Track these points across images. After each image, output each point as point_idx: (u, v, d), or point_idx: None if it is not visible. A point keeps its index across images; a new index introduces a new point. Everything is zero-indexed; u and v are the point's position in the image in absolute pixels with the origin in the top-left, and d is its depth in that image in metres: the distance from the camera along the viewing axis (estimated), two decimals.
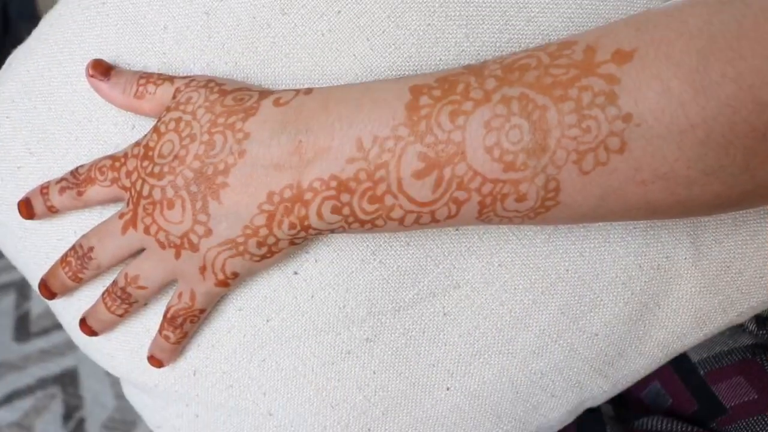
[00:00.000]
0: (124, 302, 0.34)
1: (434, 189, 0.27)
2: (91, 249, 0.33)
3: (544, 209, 0.27)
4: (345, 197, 0.28)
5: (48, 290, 0.35)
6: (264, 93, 0.31)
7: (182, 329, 0.33)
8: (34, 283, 0.38)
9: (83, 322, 0.35)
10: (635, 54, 0.24)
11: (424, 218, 0.28)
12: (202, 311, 0.33)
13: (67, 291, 0.35)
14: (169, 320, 0.33)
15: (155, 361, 0.34)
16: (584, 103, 0.25)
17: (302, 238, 0.30)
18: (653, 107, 0.24)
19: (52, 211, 0.35)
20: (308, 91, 0.30)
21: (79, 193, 0.34)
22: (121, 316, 0.34)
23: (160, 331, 0.34)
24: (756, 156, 0.23)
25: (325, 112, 0.28)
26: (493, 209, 0.27)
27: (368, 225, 0.29)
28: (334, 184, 0.28)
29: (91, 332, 0.35)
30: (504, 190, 0.27)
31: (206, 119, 0.30)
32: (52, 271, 0.35)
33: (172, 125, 0.31)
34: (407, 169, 0.27)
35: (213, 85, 0.31)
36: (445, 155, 0.27)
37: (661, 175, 0.25)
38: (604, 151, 0.25)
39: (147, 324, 0.36)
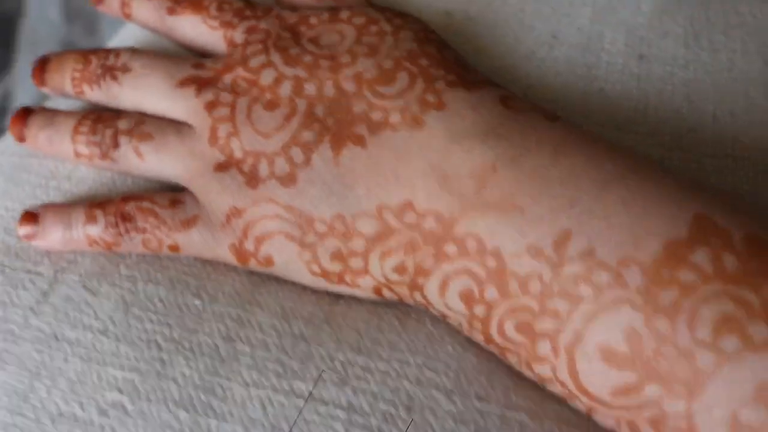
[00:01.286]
0: (101, 146, 0.22)
1: (616, 392, 0.17)
2: (126, 69, 0.23)
3: None
4: (491, 294, 0.18)
5: (39, 74, 0.25)
6: (492, 82, 0.22)
7: (119, 238, 0.21)
8: None
9: (25, 115, 0.24)
10: None
11: (576, 403, 0.19)
12: (173, 248, 0.22)
13: (55, 92, 0.25)
14: (121, 214, 0.22)
15: (30, 216, 0.22)
16: None
17: (398, 297, 0.21)
18: None
19: (126, 14, 0.26)
20: (552, 116, 0.20)
21: (172, 11, 0.24)
22: (78, 155, 0.23)
23: (87, 216, 0.22)
24: None
25: (553, 159, 0.19)
26: None
27: (495, 349, 0.20)
28: (491, 264, 0.18)
29: (22, 136, 0.24)
30: None
31: (407, 46, 0.21)
32: (62, 59, 0.24)
33: (359, 17, 0.22)
34: (599, 335, 0.17)
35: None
36: (666, 370, 0.17)
37: None
38: None
39: None
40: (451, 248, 0.19)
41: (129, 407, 0.19)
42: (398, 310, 0.21)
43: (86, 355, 0.20)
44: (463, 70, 0.21)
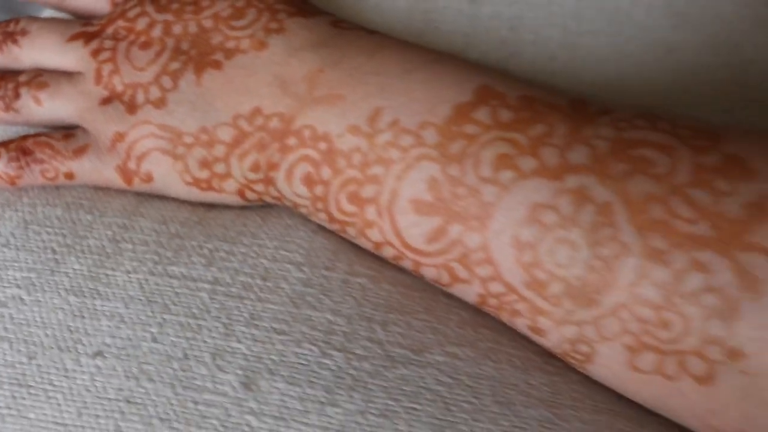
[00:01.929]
0: (4, 99, 0.26)
1: (430, 239, 0.21)
2: (25, 33, 0.27)
3: (567, 360, 0.21)
4: (326, 173, 0.22)
5: None
6: (326, 12, 0.26)
7: (20, 171, 0.25)
8: None
9: None
10: None
11: (405, 263, 0.22)
12: (68, 175, 0.25)
13: None
14: (21, 148, 0.25)
15: None
16: (685, 287, 0.18)
17: (257, 195, 0.24)
18: None
19: None
20: (373, 32, 0.24)
21: None
22: None
23: None
24: None
25: (369, 57, 0.23)
26: (497, 314, 0.21)
27: (337, 226, 0.23)
28: (322, 146, 0.22)
29: None
30: (517, 307, 0.20)
31: None
32: None
33: None
34: (409, 189, 0.21)
35: None
36: (462, 208, 0.20)
37: None
38: (677, 366, 0.18)
39: None
40: (292, 140, 0.23)
41: (26, 298, 0.22)
42: (261, 210, 0.25)
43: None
44: (303, 3, 0.26)
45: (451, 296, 0.23)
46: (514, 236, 0.20)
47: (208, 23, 0.25)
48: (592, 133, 0.20)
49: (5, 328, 0.21)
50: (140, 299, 0.22)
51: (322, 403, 0.20)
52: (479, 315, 0.23)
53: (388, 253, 0.22)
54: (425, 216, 0.21)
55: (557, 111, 0.21)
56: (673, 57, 0.29)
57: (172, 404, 0.20)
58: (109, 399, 0.20)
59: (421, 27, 0.29)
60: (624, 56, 0.28)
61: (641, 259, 0.18)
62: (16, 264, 0.23)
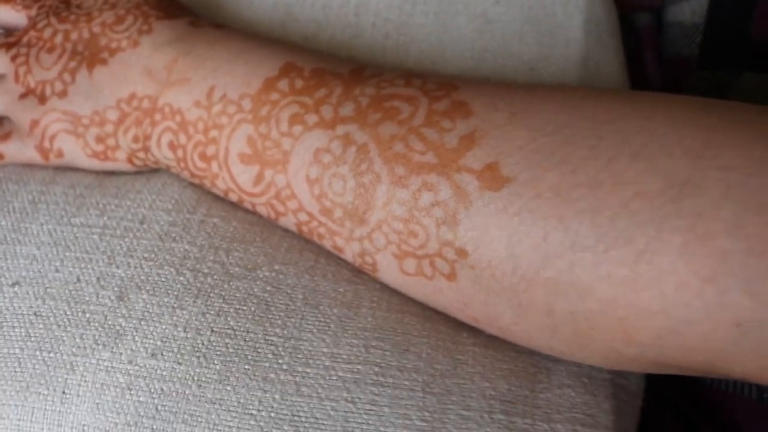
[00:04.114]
0: None
1: (255, 182, 0.27)
2: None
3: (365, 271, 0.27)
4: (182, 139, 0.29)
5: None
6: (192, 13, 0.33)
7: None
8: None
9: None
10: (509, 184, 0.22)
11: (246, 204, 0.29)
12: (0, 156, 0.32)
13: None
14: None
15: None
16: (420, 203, 0.24)
17: (141, 161, 0.31)
18: (495, 263, 0.23)
19: None
20: (220, 26, 0.31)
21: None
22: None
23: None
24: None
25: (210, 47, 0.29)
26: (311, 238, 0.28)
27: (197, 180, 0.29)
28: (178, 119, 0.29)
29: None
30: (320, 231, 0.27)
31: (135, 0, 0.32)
32: None
33: None
34: (235, 146, 0.27)
35: None
36: (270, 157, 0.27)
37: (495, 326, 0.25)
38: (430, 267, 0.24)
39: None
40: (158, 116, 0.29)
41: None
42: (147, 173, 0.32)
43: None
44: (173, 8, 0.32)
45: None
46: (306, 175, 0.26)
47: (97, 29, 0.32)
48: (359, 92, 0.26)
49: None
50: (49, 243, 0.29)
51: (173, 307, 0.27)
52: (305, 241, 0.29)
53: (233, 197, 0.29)
54: (248, 165, 0.27)
55: (338, 77, 0.27)
56: (494, 26, 0.34)
57: (66, 314, 0.27)
58: (22, 314, 0.27)
59: (283, 17, 0.35)
60: (448, 29, 0.34)
61: (389, 184, 0.25)
62: None
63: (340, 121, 0.26)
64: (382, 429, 0.24)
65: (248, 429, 0.25)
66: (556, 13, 0.35)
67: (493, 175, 0.23)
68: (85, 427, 0.25)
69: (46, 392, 0.26)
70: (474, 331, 0.27)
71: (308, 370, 0.25)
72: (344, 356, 0.26)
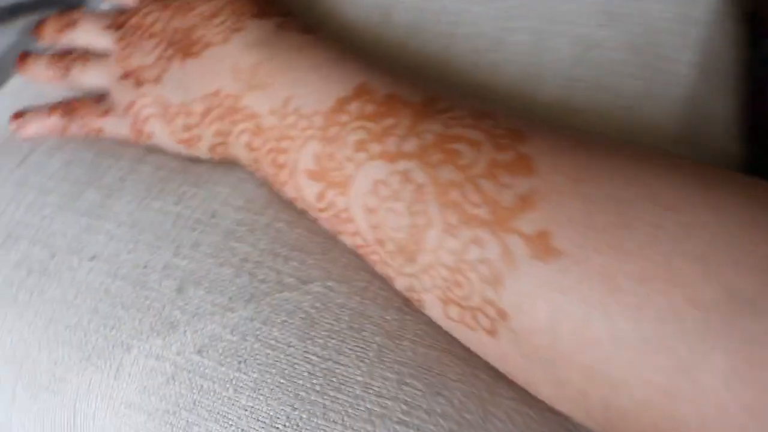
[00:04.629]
0: (61, 69, 0.36)
1: (318, 198, 0.27)
2: (77, 22, 0.37)
3: (414, 304, 0.27)
4: (257, 142, 0.29)
5: (39, 30, 0.38)
6: (287, 12, 0.33)
7: (68, 125, 0.35)
8: None
9: (25, 56, 0.37)
10: (559, 258, 0.21)
11: (311, 215, 0.29)
12: (98, 131, 0.34)
13: (48, 38, 0.38)
14: (69, 108, 0.35)
15: (17, 115, 0.35)
16: (467, 256, 0.23)
17: (222, 154, 0.32)
18: (535, 332, 0.22)
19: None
20: (307, 29, 0.31)
21: None
22: (47, 77, 0.36)
23: (51, 111, 0.35)
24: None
25: (293, 55, 0.29)
26: (367, 260, 0.28)
27: (269, 182, 0.30)
28: (255, 122, 0.29)
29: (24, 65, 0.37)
30: (373, 258, 0.27)
31: None
32: (47, 20, 0.38)
33: None
34: (303, 160, 0.27)
35: None
36: (333, 178, 0.27)
37: (533, 391, 0.24)
38: (472, 319, 0.24)
39: None
40: (238, 116, 0.30)
41: (56, 216, 0.32)
42: (227, 166, 0.33)
43: (44, 186, 0.33)
44: (266, 5, 0.33)
45: None
46: (364, 203, 0.26)
47: (194, 20, 0.32)
48: (425, 128, 0.25)
49: (38, 235, 0.31)
50: (127, 223, 0.31)
51: (225, 308, 0.28)
52: (363, 259, 0.29)
53: (299, 205, 0.30)
54: (314, 181, 0.28)
55: (409, 107, 0.26)
56: (594, 53, 0.32)
57: (131, 296, 0.29)
58: (95, 289, 0.29)
59: (379, 19, 0.35)
60: (546, 51, 0.33)
61: (440, 231, 0.24)
62: (54, 192, 0.33)
63: (401, 156, 0.25)
64: None
65: None
66: (663, 43, 0.32)
67: (544, 245, 0.22)
68: (132, 406, 0.27)
69: (103, 366, 0.28)
70: (513, 384, 0.26)
71: (338, 396, 0.26)
72: (376, 388, 0.26)
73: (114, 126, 0.34)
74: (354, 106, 0.27)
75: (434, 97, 0.27)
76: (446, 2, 0.34)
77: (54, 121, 0.35)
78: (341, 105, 0.27)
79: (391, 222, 0.25)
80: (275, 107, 0.29)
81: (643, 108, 0.31)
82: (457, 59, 0.33)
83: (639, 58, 0.32)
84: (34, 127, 0.35)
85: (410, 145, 0.25)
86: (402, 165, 0.25)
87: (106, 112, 0.34)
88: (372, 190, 0.26)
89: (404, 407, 0.25)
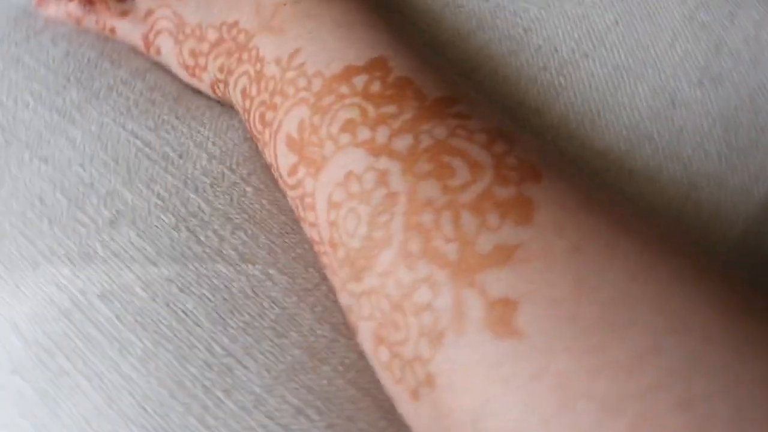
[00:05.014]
0: None
1: (290, 173, 0.23)
2: None
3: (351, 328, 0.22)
4: (253, 90, 0.25)
5: None
6: None
7: (83, 16, 0.31)
8: None
9: None
10: (516, 340, 0.17)
11: (280, 186, 0.25)
12: (112, 30, 0.31)
13: None
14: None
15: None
16: (415, 297, 0.19)
17: (221, 92, 0.28)
18: (457, 418, 0.17)
19: None
20: None
21: None
22: None
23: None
24: None
25: (324, 6, 0.25)
26: (319, 260, 0.24)
27: (255, 138, 0.26)
28: (257, 67, 0.25)
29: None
30: (324, 260, 0.23)
31: None
32: None
33: None
34: (287, 124, 0.23)
35: None
36: (310, 153, 0.23)
37: None
38: (400, 371, 0.19)
39: None
40: (245, 55, 0.26)
41: (37, 109, 0.29)
42: (224, 108, 0.29)
43: (35, 71, 0.30)
44: None
45: None
46: (330, 194, 0.22)
47: None
48: (428, 128, 0.21)
49: (4, 118, 0.29)
50: (94, 135, 0.28)
51: (148, 259, 0.24)
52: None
53: (274, 173, 0.25)
54: (290, 151, 0.23)
55: (418, 100, 0.22)
56: (677, 113, 0.27)
57: (62, 213, 0.26)
58: (32, 192, 0.26)
59: (446, 1, 0.30)
60: (619, 91, 0.27)
61: (396, 254, 0.19)
62: (41, 80, 0.30)
63: (387, 152, 0.21)
64: None
65: (142, 420, 0.22)
66: (764, 123, 0.26)
67: (504, 317, 0.17)
68: (15, 328, 0.24)
69: (6, 276, 0.25)
70: None
71: (225, 401, 0.22)
72: (269, 408, 0.21)
73: (127, 30, 0.31)
74: (360, 80, 0.22)
75: (453, 98, 0.22)
76: (528, 6, 0.29)
77: (73, 8, 0.32)
78: (348, 74, 0.23)
79: (349, 225, 0.21)
80: (281, 56, 0.25)
81: (716, 191, 0.25)
82: (517, 70, 0.28)
83: (729, 134, 0.26)
84: (54, 8, 0.33)
85: (402, 142, 0.21)
86: (383, 163, 0.21)
87: (124, 14, 0.31)
88: (342, 182, 0.21)
89: None
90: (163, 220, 0.25)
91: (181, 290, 0.23)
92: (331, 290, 0.24)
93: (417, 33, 0.30)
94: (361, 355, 0.23)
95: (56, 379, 0.23)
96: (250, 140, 0.28)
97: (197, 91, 0.30)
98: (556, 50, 0.28)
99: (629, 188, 0.26)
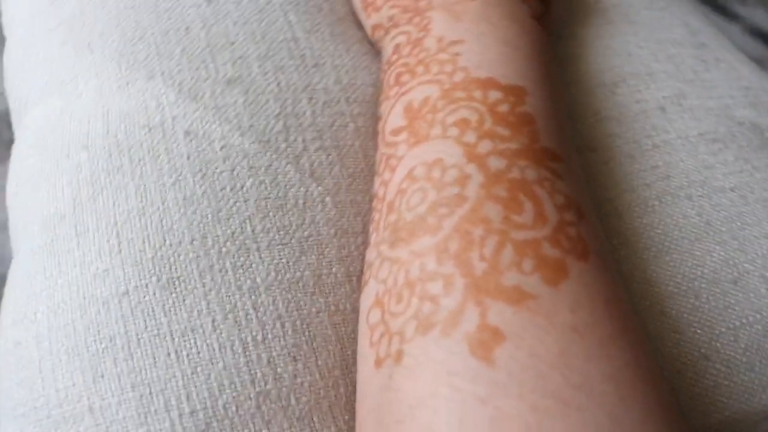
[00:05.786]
0: None
1: (394, 132, 0.25)
2: None
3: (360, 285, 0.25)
4: (405, 50, 0.27)
5: None
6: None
7: None
8: None
9: None
10: (488, 368, 0.18)
11: (377, 139, 0.27)
12: None
13: None
14: None
15: None
16: (428, 285, 0.20)
17: (377, 40, 0.30)
18: (402, 406, 0.19)
19: None
20: (545, 26, 0.29)
21: None
22: None
23: None
24: None
25: (508, 21, 0.27)
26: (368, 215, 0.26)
27: (381, 91, 0.28)
28: (420, 35, 0.27)
29: None
30: (374, 215, 0.24)
31: None
32: None
33: None
34: (414, 95, 0.25)
35: None
36: (417, 126, 0.24)
37: None
38: (378, 337, 0.21)
39: None
40: (417, 19, 0.28)
41: None
42: (369, 50, 0.31)
43: None
44: None
45: None
46: (413, 167, 0.23)
47: None
48: (523, 164, 0.22)
49: None
50: (258, 2, 0.30)
51: (239, 127, 0.26)
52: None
53: (379, 126, 0.27)
54: (405, 115, 0.25)
55: (530, 139, 0.23)
56: (736, 287, 0.27)
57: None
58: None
59: (599, 95, 0.31)
60: (695, 239, 0.28)
61: (435, 244, 0.21)
62: None
63: (478, 162, 0.22)
64: None
65: (155, 247, 0.24)
66: None
67: (487, 342, 0.18)
68: (106, 115, 0.26)
69: (125, 71, 0.27)
70: None
71: (229, 271, 0.24)
72: (256, 301, 0.23)
73: None
74: (494, 94, 0.24)
75: (557, 156, 0.23)
76: (668, 129, 0.30)
77: None
78: (487, 84, 0.24)
79: (412, 200, 0.22)
80: (444, 37, 0.26)
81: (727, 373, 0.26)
82: (625, 175, 0.29)
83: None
84: None
85: (495, 163, 0.22)
86: (470, 169, 0.22)
87: None
88: (429, 163, 0.23)
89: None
90: (270, 105, 0.27)
91: (249, 168, 0.25)
92: (364, 244, 0.26)
93: (564, 89, 0.31)
94: (354, 309, 0.24)
95: (112, 173, 0.25)
96: (376, 89, 0.30)
97: (359, 24, 0.32)
98: (668, 177, 0.29)
99: (654, 327, 0.27)
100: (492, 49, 0.26)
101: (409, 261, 0.21)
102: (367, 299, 0.22)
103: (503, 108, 0.24)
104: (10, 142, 0.30)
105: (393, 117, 0.26)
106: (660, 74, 0.32)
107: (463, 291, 0.20)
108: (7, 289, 0.25)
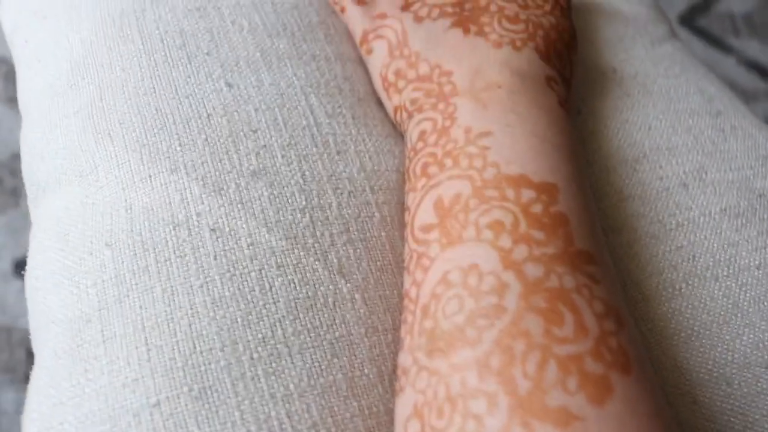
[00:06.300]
0: None
1: (424, 229, 0.25)
2: None
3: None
4: (431, 139, 0.27)
5: None
6: (568, 81, 0.30)
7: None
8: None
9: None
10: None
11: (406, 226, 0.27)
12: (342, 10, 0.33)
13: None
14: None
15: None
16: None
17: (399, 122, 0.30)
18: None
19: None
20: (568, 106, 0.29)
21: None
22: None
23: None
24: None
25: (537, 110, 0.27)
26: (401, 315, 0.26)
27: (407, 184, 0.28)
28: (447, 123, 0.27)
29: None
30: (407, 316, 0.24)
31: None
32: None
33: None
34: (444, 190, 0.25)
35: None
36: (449, 225, 0.24)
37: None
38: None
39: None
40: (441, 105, 0.28)
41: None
42: (393, 131, 0.31)
43: (263, 4, 0.33)
44: (560, 60, 0.30)
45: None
46: (447, 271, 0.23)
47: (490, 4, 0.30)
48: (561, 271, 0.22)
49: (225, 53, 0.31)
50: (279, 86, 0.30)
51: (265, 223, 0.26)
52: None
53: (406, 218, 0.27)
54: (435, 212, 0.25)
55: (565, 242, 0.23)
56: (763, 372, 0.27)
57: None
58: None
59: (624, 180, 0.31)
60: (723, 322, 0.28)
61: (476, 358, 0.21)
62: (258, 11, 0.32)
63: (515, 269, 0.22)
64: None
65: (186, 353, 0.23)
66: None
67: None
68: (130, 210, 0.26)
69: (148, 163, 0.27)
70: None
71: (261, 379, 0.23)
72: (290, 409, 0.23)
73: (355, 18, 0.33)
74: (527, 194, 0.24)
75: (592, 256, 0.23)
76: (691, 206, 0.30)
77: None
78: (520, 182, 0.24)
79: (449, 308, 0.22)
80: (472, 128, 0.26)
81: None
82: (651, 256, 0.29)
83: None
84: None
85: (533, 270, 0.22)
86: (508, 276, 0.22)
87: (361, 1, 0.33)
88: (465, 269, 0.23)
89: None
90: (296, 198, 0.27)
91: (278, 267, 0.25)
92: (394, 341, 0.25)
93: (587, 168, 0.31)
94: (387, 410, 0.24)
95: (138, 273, 0.25)
96: (400, 174, 0.29)
97: (379, 102, 0.32)
98: (694, 257, 0.29)
99: (687, 415, 0.27)
100: (521, 142, 0.25)
101: (448, 374, 0.21)
102: (404, 408, 0.22)
103: (537, 208, 0.24)
104: (13, 189, 0.29)
105: (422, 212, 0.25)
106: (680, 148, 0.32)
107: (508, 411, 0.19)
108: (31, 393, 0.25)
